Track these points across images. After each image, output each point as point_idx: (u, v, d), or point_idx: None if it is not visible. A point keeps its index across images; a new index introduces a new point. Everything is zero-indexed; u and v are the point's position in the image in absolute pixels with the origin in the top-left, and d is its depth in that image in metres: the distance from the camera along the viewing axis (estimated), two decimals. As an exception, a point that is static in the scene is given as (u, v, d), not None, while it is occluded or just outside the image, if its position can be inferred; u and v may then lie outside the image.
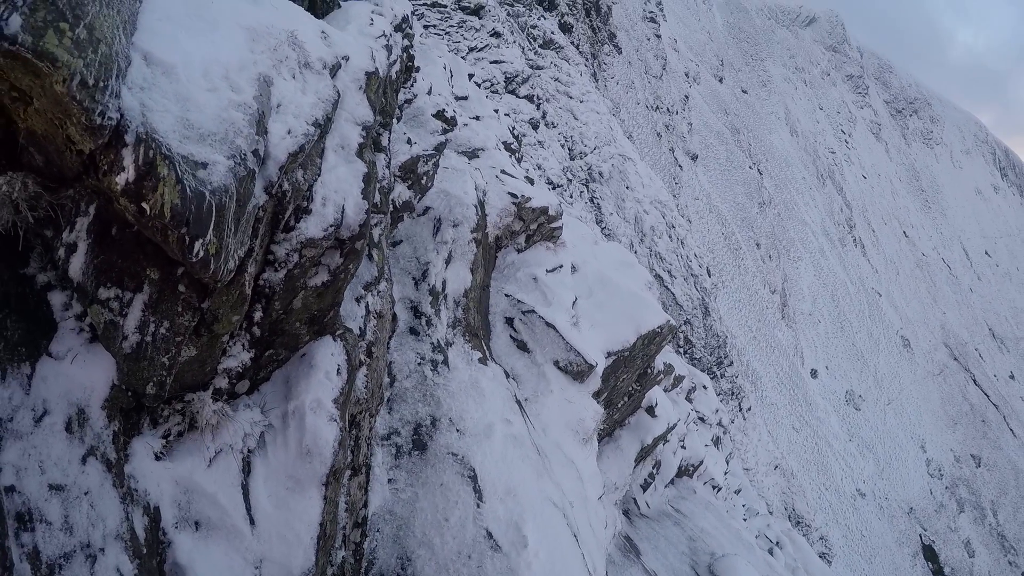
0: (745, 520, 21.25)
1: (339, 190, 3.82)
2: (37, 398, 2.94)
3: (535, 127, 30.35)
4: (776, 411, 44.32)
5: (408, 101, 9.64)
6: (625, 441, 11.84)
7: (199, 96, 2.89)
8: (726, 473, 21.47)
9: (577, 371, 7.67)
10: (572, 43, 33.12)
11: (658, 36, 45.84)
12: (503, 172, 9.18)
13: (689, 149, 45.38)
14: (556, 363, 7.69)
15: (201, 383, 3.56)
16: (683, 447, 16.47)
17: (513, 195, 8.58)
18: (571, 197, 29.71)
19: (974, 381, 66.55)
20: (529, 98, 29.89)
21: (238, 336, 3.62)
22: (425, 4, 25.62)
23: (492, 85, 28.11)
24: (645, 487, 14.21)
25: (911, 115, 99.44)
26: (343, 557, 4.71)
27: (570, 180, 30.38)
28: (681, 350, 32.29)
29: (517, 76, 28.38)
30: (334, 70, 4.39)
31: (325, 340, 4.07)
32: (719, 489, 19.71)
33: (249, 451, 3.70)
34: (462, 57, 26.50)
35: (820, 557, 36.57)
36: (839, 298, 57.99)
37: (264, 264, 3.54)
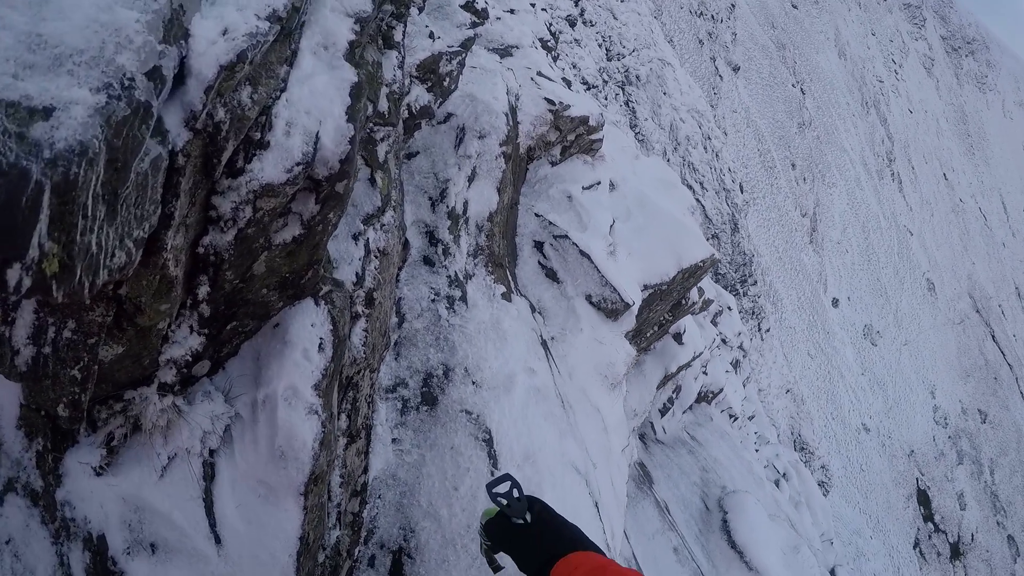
0: (757, 450, 21.08)
1: (313, 110, 2.62)
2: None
3: (572, 24, 28.32)
4: (794, 335, 43.73)
5: (432, -10, 8.31)
6: (649, 367, 11.18)
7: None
8: (743, 400, 21.16)
9: (611, 309, 6.73)
10: (618, -66, 30.41)
11: (709, -65, 42.29)
12: (539, 74, 7.94)
13: (731, 60, 42.64)
14: (588, 298, 6.74)
15: (142, 378, 2.63)
16: (705, 373, 15.99)
17: (550, 101, 7.39)
18: (606, 99, 28.03)
19: (992, 337, 65.15)
20: (568, -8, 27.74)
21: (182, 317, 2.64)
22: None
23: (529, -25, 25.97)
24: (663, 412, 13.77)
25: (967, 55, 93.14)
26: (338, 537, 3.93)
27: (606, 82, 28.58)
28: (700, 217, 31.33)
29: (556, -33, 26.18)
30: None
31: (304, 305, 3.04)
32: (735, 418, 19.42)
33: (211, 452, 2.81)
34: (498, -59, 24.33)
35: (819, 485, 36.90)
36: (869, 231, 56.10)
37: (204, 223, 2.46)
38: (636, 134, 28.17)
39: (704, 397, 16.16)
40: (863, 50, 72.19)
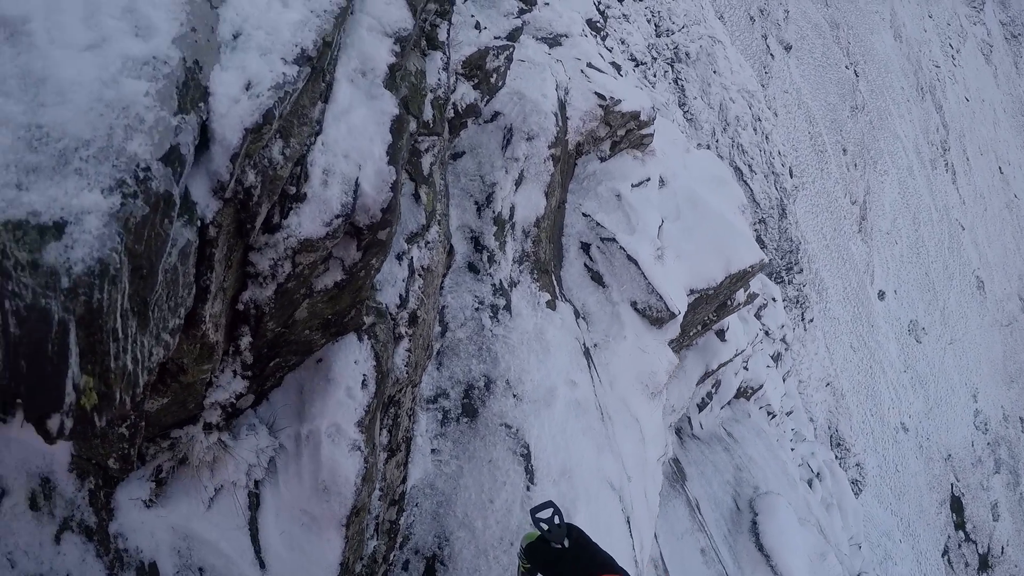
0: (793, 449, 20.78)
1: (351, 152, 2.43)
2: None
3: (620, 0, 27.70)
4: (837, 326, 42.75)
5: (478, -26, 8.04)
6: (690, 363, 10.99)
7: (66, 66, 1.60)
8: (782, 397, 20.81)
9: (656, 317, 6.53)
10: (671, -94, 29.45)
11: (766, -95, 40.65)
12: (589, 65, 7.66)
13: (783, 38, 41.29)
14: (634, 304, 6.55)
15: (188, 419, 2.57)
16: (746, 368, 15.72)
17: (600, 96, 7.13)
18: (655, 76, 27.39)
19: (1040, 343, 62.82)
20: (618, -32, 27.03)
21: (225, 363, 2.55)
22: None
23: (578, -51, 25.37)
24: (701, 407, 13.60)
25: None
26: (375, 546, 3.89)
27: (655, 59, 27.91)
28: (751, 216, 30.69)
29: (607, -59, 25.49)
30: None
31: (347, 341, 2.94)
32: (774, 416, 19.12)
33: (256, 483, 2.77)
34: (548, -86, 23.74)
35: (852, 484, 36.25)
36: (920, 222, 54.26)
37: (242, 279, 2.33)
38: (685, 113, 27.51)
39: (743, 392, 15.90)
40: (919, 33, 69.24)
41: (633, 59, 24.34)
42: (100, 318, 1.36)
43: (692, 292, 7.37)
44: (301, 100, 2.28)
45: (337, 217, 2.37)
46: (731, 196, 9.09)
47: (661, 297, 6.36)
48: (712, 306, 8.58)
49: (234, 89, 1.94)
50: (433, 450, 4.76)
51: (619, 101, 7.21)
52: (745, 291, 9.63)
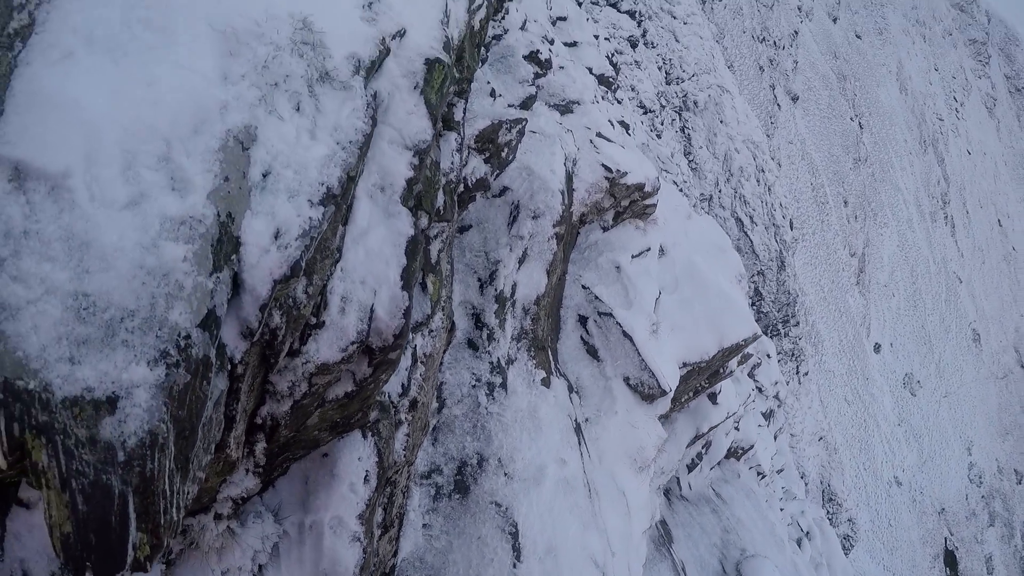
0: (782, 510, 20.72)
1: (368, 277, 2.59)
2: (13, 561, 2.09)
3: (633, 46, 28.15)
4: (832, 379, 42.80)
5: (496, 37, 8.25)
6: (681, 425, 11.02)
7: (107, 228, 1.71)
8: (773, 456, 20.79)
9: (648, 393, 6.64)
10: (687, -42, 30.07)
11: (777, -40, 41.44)
12: (599, 135, 7.86)
13: (791, 88, 41.89)
14: (626, 379, 6.66)
15: (200, 508, 2.67)
16: (736, 429, 15.72)
17: (607, 168, 7.31)
18: (662, 124, 27.75)
19: (1036, 395, 62.94)
20: (631, 14, 27.53)
21: (239, 462, 2.67)
22: None
23: (594, -4, 25.88)
24: (691, 468, 13.57)
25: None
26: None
27: (663, 106, 28.31)
28: (750, 300, 30.85)
29: (622, -11, 26.01)
30: (375, 65, 3.09)
31: (351, 438, 3.07)
32: (763, 476, 19.10)
33: (260, 567, 2.87)
34: (566, -38, 24.23)
35: (844, 539, 36.02)
36: (918, 275, 54.58)
37: (261, 394, 2.48)
38: (690, 162, 27.82)
39: (733, 453, 15.88)
40: (925, 85, 70.22)
41: (642, 106, 24.69)
42: (152, 483, 1.49)
43: (685, 365, 7.49)
44: (325, 235, 2.42)
45: (353, 343, 2.51)
46: (729, 265, 9.24)
47: (654, 374, 6.47)
48: (704, 375, 8.69)
49: (264, 239, 2.08)
50: (424, 525, 4.84)
51: (625, 174, 7.39)
52: (738, 361, 9.75)
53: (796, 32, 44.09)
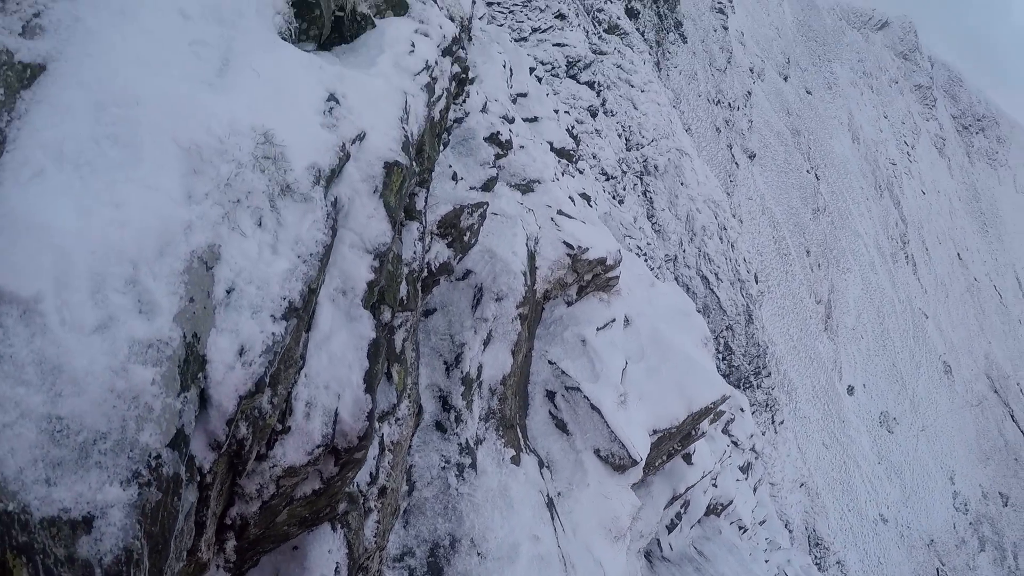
0: (767, 561, 20.58)
1: (331, 382, 2.72)
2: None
3: (593, 115, 29.12)
4: (808, 425, 43.12)
5: (458, 120, 8.59)
6: (657, 488, 11.04)
7: (78, 353, 1.81)
8: (754, 509, 20.78)
9: (619, 464, 6.77)
10: (637, 30, 31.48)
11: (725, 28, 43.46)
12: (560, 212, 8.18)
13: (747, 147, 43.44)
14: (597, 451, 6.79)
15: None
16: (714, 486, 15.74)
17: (569, 245, 7.60)
18: (624, 189, 28.49)
19: (1012, 417, 64.03)
20: (590, 84, 28.55)
21: (211, 561, 2.76)
22: (491, -21, 24.37)
23: (553, 68, 26.83)
24: (671, 528, 13.51)
25: (977, 133, 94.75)
26: None
27: (624, 172, 29.13)
28: (720, 355, 31.23)
29: (579, 61, 27.04)
30: (334, 173, 3.27)
31: (321, 531, 3.16)
32: (745, 530, 19.03)
33: None
34: (524, 38, 25.25)
35: (834, 581, 35.75)
36: (884, 315, 55.83)
37: (231, 496, 2.60)
38: (653, 224, 28.51)
39: (713, 510, 15.86)
40: (876, 133, 73.28)
41: (604, 173, 25.40)
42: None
43: (655, 432, 7.64)
44: (288, 347, 2.58)
45: (319, 447, 2.63)
46: (694, 328, 9.50)
47: (624, 445, 6.61)
48: (676, 439, 8.83)
49: (229, 356, 2.23)
50: (398, 614, 4.85)
51: (587, 249, 7.67)
52: (710, 421, 9.91)
53: (749, 93, 46.03)
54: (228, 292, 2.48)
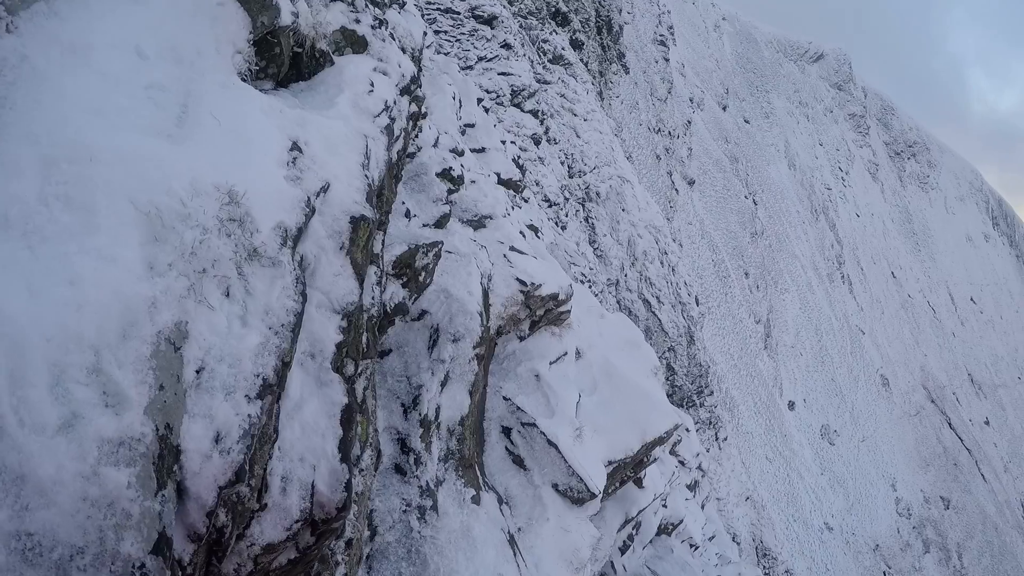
0: (719, 577, 20.85)
1: (306, 454, 2.68)
2: None
3: (537, 143, 29.55)
4: (751, 440, 44.13)
5: (411, 155, 8.64)
6: (610, 512, 11.13)
7: (42, 458, 1.67)
8: (703, 525, 21.11)
9: (578, 497, 6.87)
10: (581, 60, 32.18)
11: (666, 59, 44.85)
12: (512, 248, 8.31)
13: (687, 174, 44.66)
14: (555, 486, 6.88)
15: None
16: (664, 506, 15.96)
17: (522, 282, 7.72)
18: (566, 216, 28.89)
19: (949, 424, 66.88)
20: (534, 113, 28.98)
21: None
22: (439, 9, 24.55)
23: (498, 97, 27.17)
24: (623, 550, 13.61)
25: (909, 158, 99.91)
26: None
27: (567, 199, 29.56)
28: (664, 376, 31.78)
29: (524, 90, 27.46)
30: (301, 232, 3.20)
31: None
32: (696, 547, 19.31)
33: None
34: (470, 66, 25.54)
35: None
36: (822, 333, 57.79)
37: (206, 570, 2.57)
38: (595, 250, 28.96)
39: (664, 529, 16.10)
40: (812, 160, 76.39)
41: (547, 200, 25.75)
42: None
43: (611, 463, 7.77)
44: (264, 426, 2.56)
45: (297, 522, 2.59)
46: (644, 359, 9.72)
47: (582, 479, 6.72)
48: (630, 468, 8.98)
49: (204, 444, 2.17)
50: (362, 665, 4.80)
51: (539, 285, 7.80)
52: (661, 447, 10.10)
53: (689, 122, 47.45)
54: (198, 372, 2.35)
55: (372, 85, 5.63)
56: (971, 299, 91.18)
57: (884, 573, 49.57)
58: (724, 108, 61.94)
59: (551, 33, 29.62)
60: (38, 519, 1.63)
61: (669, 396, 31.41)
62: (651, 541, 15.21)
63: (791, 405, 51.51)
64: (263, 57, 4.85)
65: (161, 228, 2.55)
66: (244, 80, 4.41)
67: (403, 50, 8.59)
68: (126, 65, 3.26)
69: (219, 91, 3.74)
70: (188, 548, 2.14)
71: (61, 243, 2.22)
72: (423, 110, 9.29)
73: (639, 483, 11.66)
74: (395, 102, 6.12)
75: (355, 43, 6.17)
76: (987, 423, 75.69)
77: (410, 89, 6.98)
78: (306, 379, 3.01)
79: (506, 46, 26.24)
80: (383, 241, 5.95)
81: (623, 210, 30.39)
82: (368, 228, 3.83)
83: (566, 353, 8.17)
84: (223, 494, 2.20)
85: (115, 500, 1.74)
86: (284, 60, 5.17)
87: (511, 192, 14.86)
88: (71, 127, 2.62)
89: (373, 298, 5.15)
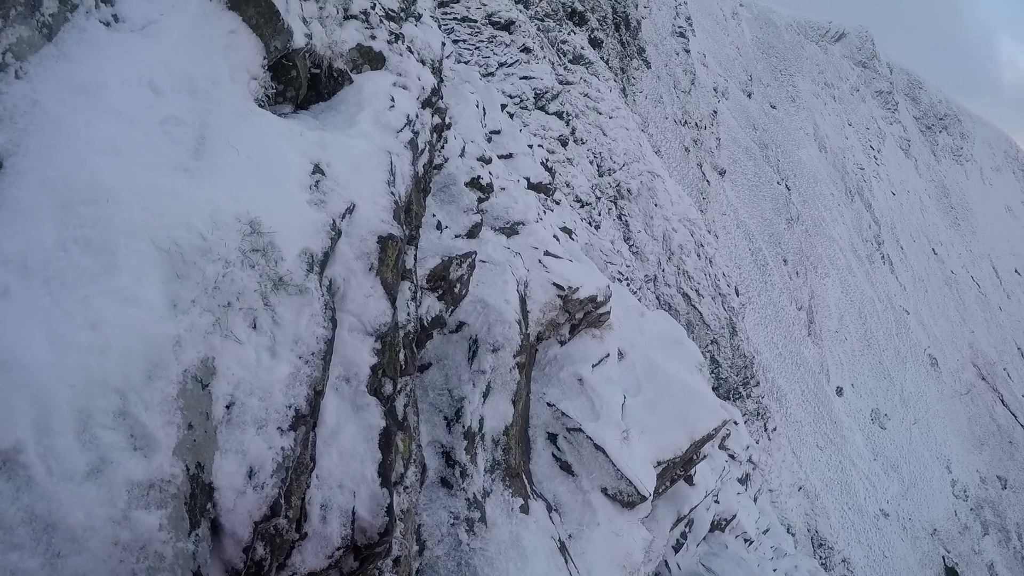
0: (775, 570, 20.54)
1: (345, 480, 2.62)
2: None
3: (564, 144, 29.47)
4: (800, 429, 43.37)
5: (438, 167, 8.60)
6: (661, 512, 10.96)
7: (71, 505, 1.66)
8: (757, 520, 20.76)
9: (628, 501, 6.75)
10: (602, 58, 32.00)
11: (687, 51, 44.40)
12: (547, 254, 8.22)
13: (717, 164, 44.10)
14: (604, 490, 6.77)
15: None
16: (717, 502, 15.71)
17: (559, 287, 7.63)
18: (599, 215, 28.75)
19: (1002, 401, 64.95)
20: (559, 115, 28.91)
21: None
22: (455, 19, 24.63)
23: (522, 101, 27.15)
24: (677, 548, 13.42)
25: (940, 131, 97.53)
26: None
27: (598, 198, 29.41)
28: (708, 369, 31.41)
29: (547, 92, 27.39)
30: (327, 256, 3.12)
31: None
32: (751, 542, 19.00)
33: None
34: (491, 73, 25.56)
35: (841, 580, 35.78)
36: (866, 315, 56.57)
37: None
38: (631, 247, 28.73)
39: (717, 525, 15.85)
40: (842, 140, 74.96)
41: (579, 200, 25.63)
42: None
43: (660, 463, 7.63)
44: (299, 456, 2.52)
45: (338, 549, 2.56)
46: (688, 356, 9.55)
47: (631, 482, 6.60)
48: (679, 467, 8.82)
49: (238, 480, 2.13)
50: None
51: (577, 289, 7.71)
52: (710, 443, 9.92)
53: (715, 112, 46.90)
54: (228, 407, 2.31)
55: (393, 100, 5.60)
56: (1016, 271, 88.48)
57: (944, 558, 48.32)
58: (749, 95, 61.13)
59: (569, 33, 29.51)
60: (70, 566, 1.64)
61: (715, 389, 31.03)
62: (704, 538, 14.98)
63: (839, 391, 50.50)
64: (280, 81, 4.84)
65: (182, 264, 2.51)
66: (262, 106, 4.40)
67: (423, 63, 8.58)
68: (140, 101, 3.25)
69: (236, 119, 3.71)
70: (223, 586, 2.10)
71: (81, 287, 2.21)
72: (447, 121, 9.27)
73: (689, 481, 11.46)
74: (417, 115, 6.08)
75: (372, 60, 6.16)
76: (1041, 397, 73.38)
77: (431, 101, 6.95)
78: (342, 404, 2.96)
79: (525, 50, 26.21)
80: (415, 256, 5.91)
81: (656, 205, 30.11)
82: (397, 246, 3.77)
83: (608, 355, 8.06)
84: (259, 528, 2.16)
85: (147, 543, 1.73)
86: (302, 82, 5.16)
87: (542, 196, 14.79)
88: (86, 169, 2.60)
89: (409, 314, 5.11)
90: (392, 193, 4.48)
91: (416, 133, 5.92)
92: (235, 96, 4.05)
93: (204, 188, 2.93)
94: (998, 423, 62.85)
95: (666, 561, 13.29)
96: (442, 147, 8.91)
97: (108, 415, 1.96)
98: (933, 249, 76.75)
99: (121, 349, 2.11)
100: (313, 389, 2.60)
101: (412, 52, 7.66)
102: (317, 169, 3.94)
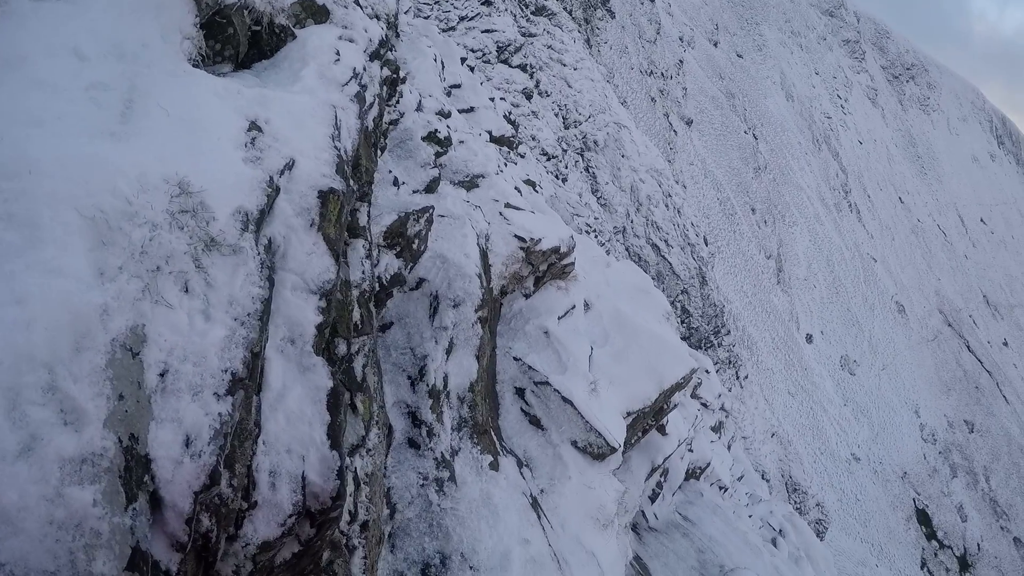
0: (751, 516, 21.02)
1: (293, 444, 2.50)
2: None
3: (528, 97, 29.01)
4: (772, 376, 44.21)
5: (393, 122, 8.34)
6: (635, 462, 11.07)
7: (5, 486, 1.62)
8: (731, 467, 21.16)
9: (598, 453, 6.73)
10: (565, 8, 31.39)
11: (651, 0, 43.83)
12: (508, 206, 8.05)
13: (684, 114, 43.86)
14: (574, 443, 6.73)
15: None
16: (690, 451, 15.94)
17: (520, 238, 7.48)
18: (566, 168, 28.52)
19: (968, 348, 66.68)
20: (522, 67, 28.41)
21: None
22: (411, -28, 23.93)
23: (484, 55, 26.60)
24: (653, 498, 13.63)
25: (908, 81, 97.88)
26: None
27: (565, 150, 29.14)
28: (679, 319, 31.68)
29: (509, 45, 26.86)
30: (264, 213, 3.01)
31: None
32: (725, 489, 19.39)
33: None
34: (452, 27, 24.95)
35: (816, 523, 36.96)
36: (834, 263, 57.39)
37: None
38: (599, 199, 28.62)
39: (692, 474, 16.08)
40: (809, 89, 75.00)
41: (545, 153, 25.35)
42: None
43: (629, 414, 7.62)
44: (241, 420, 2.38)
45: (291, 516, 2.45)
46: (655, 305, 9.51)
47: (600, 434, 6.57)
48: (650, 416, 8.84)
49: (175, 449, 2.02)
50: (394, 641, 4.73)
51: (539, 240, 7.57)
52: (681, 392, 9.96)
53: (681, 61, 46.45)
54: (161, 375, 2.22)
55: (338, 54, 5.38)
56: (981, 220, 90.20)
57: (914, 500, 50.07)
58: (715, 44, 60.65)
59: (531, -17, 28.86)
60: (7, 548, 1.58)
61: (686, 339, 31.38)
62: (680, 487, 15.20)
63: (809, 338, 51.43)
64: (216, 40, 4.65)
65: (108, 231, 2.44)
66: (196, 66, 4.22)
67: (376, 17, 8.24)
68: (64, 70, 3.19)
69: (167, 81, 3.59)
70: (174, 558, 2.00)
71: (7, 262, 2.14)
72: (401, 75, 8.96)
73: (662, 430, 11.55)
74: (365, 68, 5.84)
75: (316, 13, 5.91)
76: (1006, 344, 75.49)
77: (380, 53, 6.67)
78: (287, 366, 2.83)
79: (486, 3, 25.58)
80: (368, 213, 5.73)
81: (623, 156, 29.93)
82: (339, 200, 3.61)
83: (574, 306, 7.97)
84: (201, 499, 2.03)
85: (82, 520, 1.66)
86: (241, 40, 4.95)
87: (505, 149, 14.54)
88: (7, 142, 2.55)
89: (364, 272, 4.95)
90: (336, 148, 4.30)
91: (364, 86, 5.69)
92: (167, 58, 3.93)
93: (131, 152, 2.86)
94: (964, 369, 64.63)
95: (643, 511, 13.48)
96: (398, 102, 8.63)
97: (37, 391, 1.91)
98: (900, 198, 77.80)
99: (47, 322, 2.05)
100: (250, 351, 2.46)
101: (359, 5, 7.35)
102: (254, 126, 3.79)
